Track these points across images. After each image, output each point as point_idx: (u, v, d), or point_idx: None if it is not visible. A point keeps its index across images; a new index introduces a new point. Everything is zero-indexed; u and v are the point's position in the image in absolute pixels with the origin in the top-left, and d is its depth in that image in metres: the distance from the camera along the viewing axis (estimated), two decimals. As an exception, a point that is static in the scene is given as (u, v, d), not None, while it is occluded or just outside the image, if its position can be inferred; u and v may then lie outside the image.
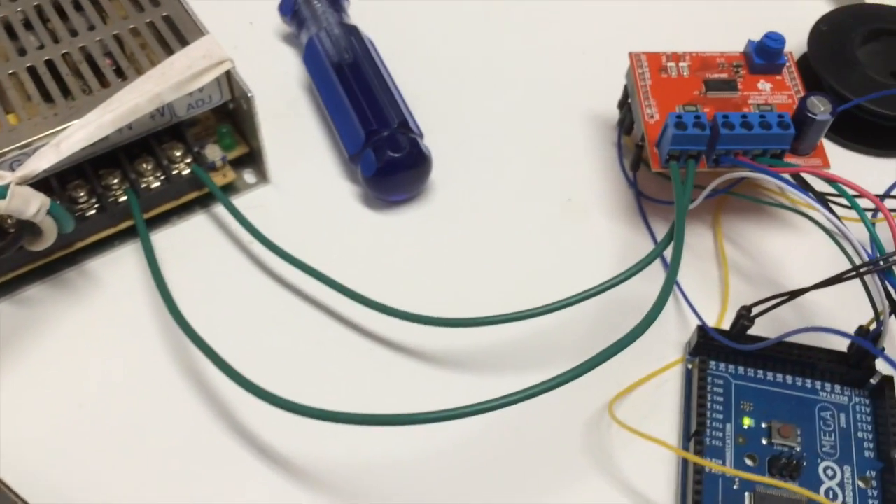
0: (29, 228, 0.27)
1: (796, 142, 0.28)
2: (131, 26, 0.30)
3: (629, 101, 0.31)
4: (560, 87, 0.35)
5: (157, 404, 0.27)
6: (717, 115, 0.27)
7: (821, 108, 0.27)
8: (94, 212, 0.29)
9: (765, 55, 0.30)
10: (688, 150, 0.28)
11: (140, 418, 0.27)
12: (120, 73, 0.29)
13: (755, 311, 0.26)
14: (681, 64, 0.31)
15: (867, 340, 0.25)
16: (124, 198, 0.29)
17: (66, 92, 0.29)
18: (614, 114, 0.34)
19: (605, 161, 0.33)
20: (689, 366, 0.28)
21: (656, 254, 0.27)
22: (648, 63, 0.31)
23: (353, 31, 0.34)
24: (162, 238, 0.31)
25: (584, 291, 0.27)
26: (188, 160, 0.30)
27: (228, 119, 0.32)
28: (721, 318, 0.29)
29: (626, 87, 0.32)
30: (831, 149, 0.33)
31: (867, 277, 0.25)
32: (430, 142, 0.32)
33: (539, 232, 0.32)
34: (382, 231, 0.32)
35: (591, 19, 0.38)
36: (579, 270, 0.30)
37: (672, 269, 0.26)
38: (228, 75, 0.29)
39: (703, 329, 0.27)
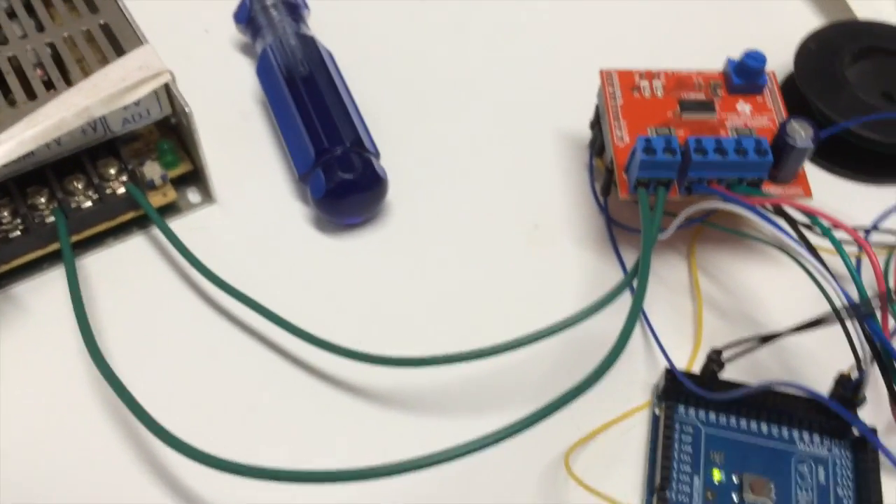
0: (-59, 252, 0.25)
1: (775, 169, 0.26)
2: (66, 34, 0.28)
3: (600, 121, 0.29)
4: (530, 104, 0.33)
5: (78, 450, 0.25)
6: (690, 140, 0.25)
7: (802, 133, 0.25)
8: (18, 233, 0.27)
9: (744, 75, 0.28)
10: (657, 178, 0.26)
11: (56, 464, 0.25)
12: (50, 85, 0.27)
13: (726, 354, 0.24)
14: (655, 83, 0.29)
15: (848, 390, 0.23)
16: (52, 218, 0.27)
17: (-11, 104, 0.27)
18: (587, 133, 0.31)
19: (576, 184, 0.31)
20: (657, 411, 0.26)
21: (622, 287, 0.25)
22: (620, 81, 0.29)
23: (309, 43, 0.32)
24: (95, 261, 0.29)
25: (546, 329, 0.25)
26: (123, 178, 0.28)
27: (174, 134, 0.30)
28: (693, 358, 0.27)
29: (597, 106, 0.30)
30: (817, 175, 0.31)
31: (848, 321, 0.23)
32: (388, 161, 0.30)
33: (503, 259, 0.29)
34: (334, 256, 0.29)
35: (565, 33, 0.36)
36: (544, 302, 0.28)
37: (634, 306, 0.24)
38: (167, 88, 0.27)
39: (671, 372, 0.25)
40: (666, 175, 0.25)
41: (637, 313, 0.23)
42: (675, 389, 0.25)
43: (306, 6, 0.34)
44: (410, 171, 0.31)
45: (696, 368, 0.26)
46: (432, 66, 0.34)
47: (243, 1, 0.34)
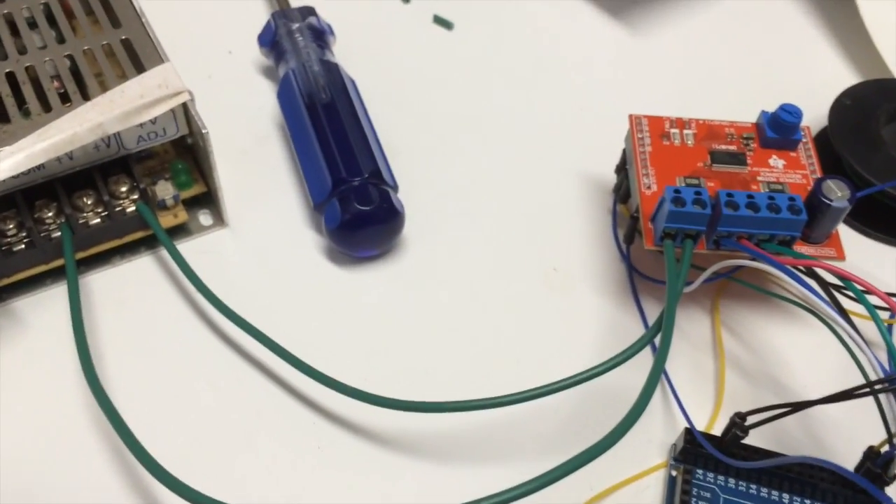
0: (-59, 262, 0.24)
1: (808, 228, 0.25)
2: (86, 47, 0.28)
3: (627, 166, 0.28)
4: (554, 144, 0.33)
5: (67, 474, 0.24)
6: (721, 193, 0.24)
7: (838, 193, 0.24)
8: (22, 246, 0.26)
9: (779, 129, 0.27)
10: (685, 229, 0.25)
11: (44, 487, 0.24)
12: (66, 97, 0.27)
13: (751, 420, 0.23)
14: (685, 131, 0.28)
15: (877, 465, 0.22)
16: (58, 233, 0.27)
17: (2, 115, 0.26)
18: (611, 178, 0.30)
19: (598, 229, 0.30)
20: (674, 472, 0.25)
21: (644, 342, 0.24)
22: (650, 127, 0.28)
23: (333, 69, 0.31)
24: (99, 279, 0.28)
25: (561, 381, 0.24)
26: (134, 197, 0.27)
27: (189, 154, 0.30)
28: (714, 419, 0.26)
29: (624, 151, 0.29)
30: (850, 237, 0.30)
31: (881, 395, 0.21)
32: (406, 195, 0.29)
33: (518, 302, 0.28)
34: (344, 289, 0.28)
35: (595, 74, 0.35)
36: (560, 349, 0.27)
37: (657, 365, 0.22)
38: (185, 108, 0.27)
39: (690, 433, 0.24)
40: (694, 227, 0.24)
41: (659, 373, 0.22)
42: (694, 451, 0.24)
43: (332, 33, 0.33)
44: (428, 205, 0.30)
45: (716, 429, 0.25)
46: (456, 100, 0.34)
47: (268, 24, 0.33)
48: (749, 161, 0.27)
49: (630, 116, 0.28)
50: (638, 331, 0.28)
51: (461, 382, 0.26)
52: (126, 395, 0.25)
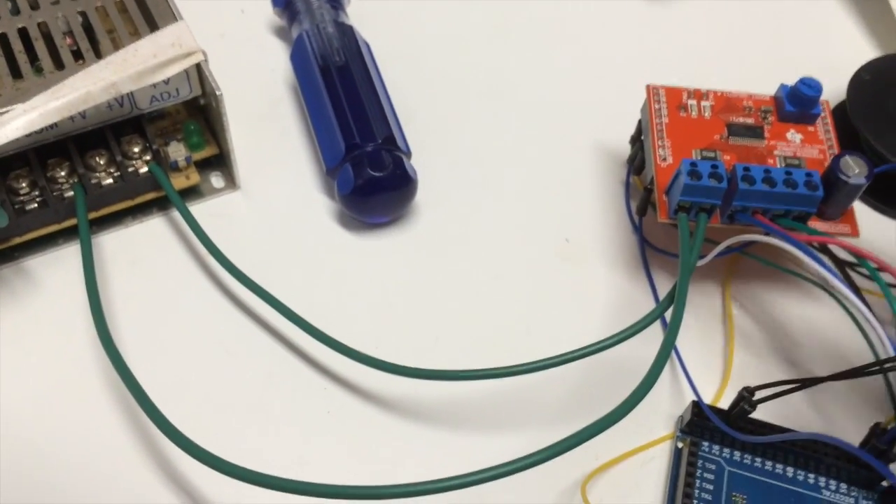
0: (-45, 220, 0.24)
1: (824, 205, 0.25)
2: (99, 4, 0.27)
3: (642, 137, 0.28)
4: (569, 112, 0.32)
5: (78, 432, 0.24)
6: (737, 167, 0.24)
7: (856, 170, 0.24)
8: (35, 205, 0.26)
9: (798, 102, 0.27)
10: (700, 203, 0.24)
11: (56, 445, 0.24)
12: (79, 55, 0.26)
13: (759, 395, 0.23)
14: (703, 103, 0.27)
15: (882, 442, 0.22)
16: (71, 193, 0.27)
17: (15, 71, 0.26)
18: (625, 148, 0.30)
19: (610, 200, 0.30)
20: (680, 444, 0.25)
21: (654, 316, 0.24)
22: (667, 98, 0.28)
23: (347, 32, 0.31)
24: (111, 240, 0.28)
25: (571, 352, 0.24)
26: (147, 157, 0.27)
27: (200, 115, 0.29)
28: (721, 393, 0.26)
29: (640, 121, 0.29)
30: (865, 213, 0.30)
31: (890, 373, 0.22)
32: (419, 160, 0.29)
33: (529, 272, 0.28)
34: (355, 254, 0.28)
35: (611, 43, 0.35)
36: (570, 321, 0.27)
37: (668, 339, 0.23)
38: (199, 69, 0.26)
39: (698, 406, 0.24)
40: (709, 201, 0.24)
41: (670, 348, 0.22)
42: (700, 424, 0.24)
43: (347, -6, 0.33)
44: (441, 172, 0.30)
45: (723, 403, 0.25)
46: (471, 66, 0.33)
47: (283, -17, 0.33)
48: (766, 135, 0.27)
49: (647, 87, 0.28)
50: (648, 303, 0.28)
51: (470, 350, 0.27)
52: (136, 354, 0.26)
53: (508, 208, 0.30)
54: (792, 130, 0.27)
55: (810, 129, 0.27)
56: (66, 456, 0.24)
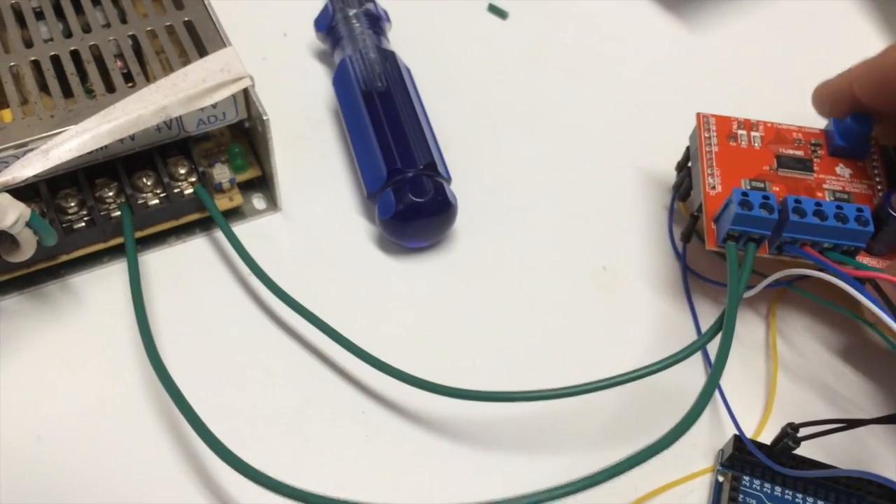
0: (6, 237, 0.24)
1: (873, 240, 0.24)
2: (149, 28, 0.28)
3: (689, 164, 0.28)
4: (611, 138, 0.32)
5: (124, 448, 0.25)
6: (789, 199, 0.24)
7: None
8: (83, 224, 0.27)
9: (848, 137, 0.26)
10: (750, 233, 0.24)
11: (101, 460, 0.24)
12: (129, 77, 0.27)
13: (803, 432, 0.23)
14: (753, 133, 0.27)
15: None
16: (118, 213, 0.27)
17: (67, 92, 0.26)
18: (668, 174, 0.30)
19: (653, 226, 0.30)
20: (720, 478, 0.25)
21: (698, 346, 0.24)
22: (717, 127, 0.28)
23: (389, 57, 0.31)
24: (155, 259, 0.28)
25: (612, 378, 0.24)
26: (192, 179, 0.28)
27: (244, 137, 0.30)
28: (762, 427, 0.26)
29: (688, 148, 0.29)
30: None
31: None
32: (458, 185, 0.29)
33: (568, 297, 0.28)
34: (394, 278, 0.29)
35: (650, 71, 0.35)
36: (608, 348, 0.27)
37: (714, 373, 0.22)
38: (245, 93, 0.27)
39: (740, 440, 0.24)
40: (759, 231, 0.24)
41: (717, 382, 0.22)
42: (741, 458, 0.24)
43: (388, 19, 0.33)
44: (480, 197, 0.30)
45: (765, 437, 0.25)
46: (510, 91, 0.34)
47: (325, 8, 0.33)
48: (815, 168, 0.27)
49: (698, 115, 0.28)
50: (689, 330, 0.28)
51: (506, 375, 0.27)
52: (178, 372, 0.26)
53: (547, 234, 0.30)
54: (841, 165, 0.27)
55: (860, 164, 0.27)
56: (108, 472, 0.24)
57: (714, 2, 0.37)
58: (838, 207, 0.24)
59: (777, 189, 0.26)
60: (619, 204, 0.31)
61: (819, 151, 0.27)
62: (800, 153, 0.27)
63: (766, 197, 0.24)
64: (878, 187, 0.26)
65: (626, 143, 0.32)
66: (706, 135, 0.27)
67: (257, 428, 0.25)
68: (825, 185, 0.26)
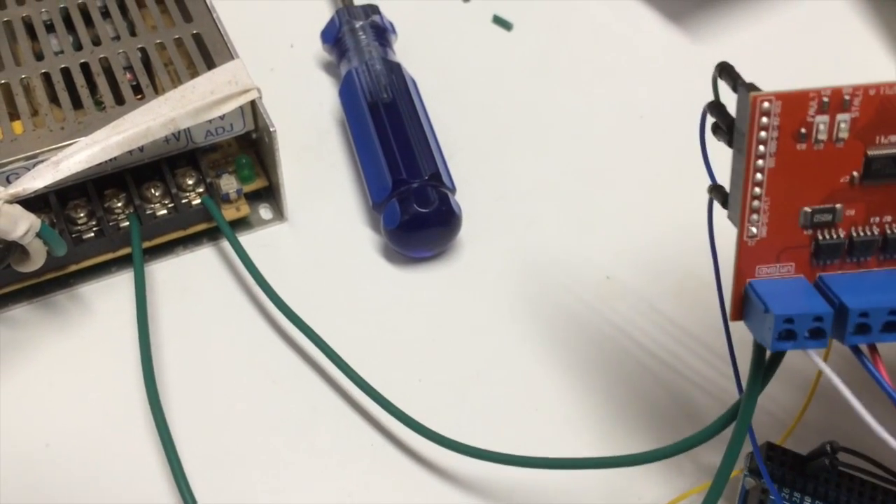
0: (16, 248, 0.25)
1: None
2: (158, 41, 0.28)
3: (732, 184, 0.19)
4: (612, 151, 0.32)
5: (131, 457, 0.25)
6: (851, 312, 0.17)
7: None
8: (92, 235, 0.27)
9: None
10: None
11: (109, 468, 0.25)
12: (138, 89, 0.27)
13: (842, 457, 0.21)
14: (839, 118, 0.17)
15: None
16: (126, 223, 0.27)
17: (77, 104, 0.27)
18: (672, 184, 0.30)
19: (656, 237, 0.30)
20: (748, 486, 0.23)
21: (720, 426, 0.21)
22: (782, 117, 0.17)
23: (395, 69, 0.31)
24: (162, 269, 0.29)
25: (632, 456, 0.23)
26: (200, 189, 0.28)
27: (251, 148, 0.30)
28: (790, 430, 0.24)
29: (737, 153, 0.19)
30: None
31: None
32: (463, 196, 0.30)
33: (571, 311, 0.29)
34: (399, 288, 0.29)
35: (654, 82, 0.35)
36: (615, 355, 0.27)
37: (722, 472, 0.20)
38: (253, 105, 0.27)
39: (772, 449, 0.23)
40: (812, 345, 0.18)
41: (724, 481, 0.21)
42: (771, 466, 0.23)
43: (394, 31, 0.34)
44: (484, 208, 0.31)
45: (793, 443, 0.23)
46: (514, 102, 0.34)
47: (332, 20, 0.33)
48: None
49: (753, 98, 0.18)
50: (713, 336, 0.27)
51: (510, 381, 0.27)
52: (182, 383, 0.26)
53: (550, 244, 0.30)
54: None
55: None
56: (116, 480, 0.24)
57: (717, 12, 0.37)
58: None
59: (852, 213, 0.18)
60: (623, 214, 0.31)
61: None
62: None
63: (818, 318, 0.17)
64: None
65: (629, 153, 0.32)
66: (762, 134, 0.17)
67: (263, 438, 0.25)
68: None
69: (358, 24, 0.33)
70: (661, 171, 0.31)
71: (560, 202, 0.31)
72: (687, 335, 0.28)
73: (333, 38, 0.33)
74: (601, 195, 0.31)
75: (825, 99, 0.18)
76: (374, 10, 0.33)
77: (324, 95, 0.34)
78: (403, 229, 0.28)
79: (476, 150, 0.32)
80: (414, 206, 0.28)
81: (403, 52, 0.34)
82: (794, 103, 0.18)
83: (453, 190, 0.29)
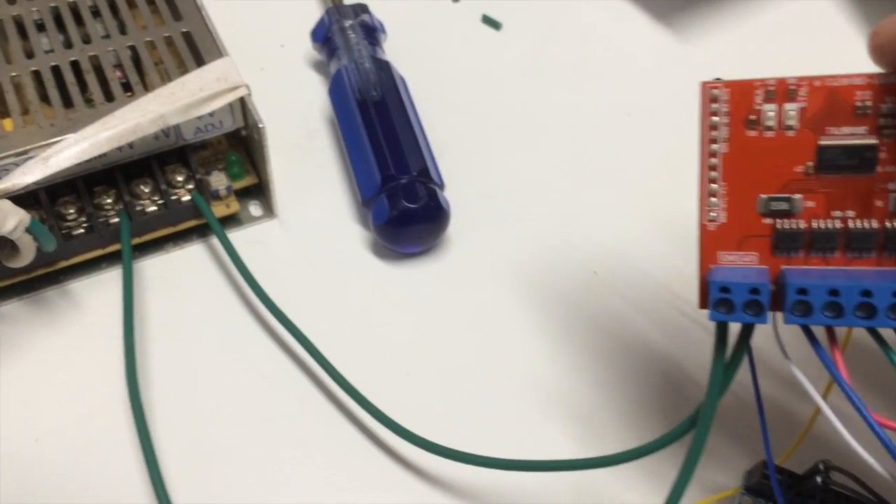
0: (6, 243, 0.25)
1: None
2: (148, 39, 0.29)
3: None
4: (599, 148, 0.33)
5: (120, 451, 0.25)
6: (789, 285, 0.17)
7: None
8: (82, 231, 0.27)
9: None
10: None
11: (98, 463, 0.25)
12: (128, 87, 0.27)
13: (836, 476, 0.21)
14: (787, 107, 0.18)
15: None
16: (116, 219, 0.27)
17: (67, 102, 0.27)
18: (658, 181, 0.31)
19: (642, 234, 0.31)
20: (741, 503, 0.23)
21: (675, 437, 0.20)
22: (731, 104, 0.18)
23: (384, 67, 0.31)
24: (152, 265, 0.29)
25: (606, 457, 0.22)
26: (190, 186, 0.28)
27: (241, 145, 0.30)
28: (793, 448, 0.23)
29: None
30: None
31: None
32: (452, 192, 0.30)
33: (559, 304, 0.29)
34: (388, 283, 0.29)
35: (640, 81, 0.35)
36: (604, 346, 0.27)
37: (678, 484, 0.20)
38: (242, 102, 0.27)
39: (766, 468, 0.22)
40: (752, 321, 0.18)
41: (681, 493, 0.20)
42: (769, 486, 0.22)
43: (383, 30, 0.34)
44: (473, 204, 0.31)
45: (794, 459, 0.23)
46: (503, 100, 0.34)
47: (322, 20, 0.34)
48: (881, 155, 0.18)
49: (702, 85, 0.19)
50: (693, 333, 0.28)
51: (498, 375, 0.27)
52: (170, 378, 0.26)
53: (538, 240, 0.30)
54: None
55: None
56: (105, 475, 0.25)
57: (703, 12, 0.38)
58: (865, 294, 0.16)
59: (813, 205, 0.18)
60: (610, 210, 0.31)
61: None
62: (860, 130, 0.18)
63: (755, 290, 0.17)
64: None
65: (616, 151, 0.33)
66: (713, 119, 0.18)
67: (249, 433, 0.25)
68: (892, 186, 0.18)
69: (347, 23, 0.33)
70: (647, 168, 0.32)
71: (547, 199, 0.31)
72: (676, 330, 0.28)
73: (323, 36, 0.33)
74: (588, 192, 0.32)
75: (771, 88, 0.19)
76: (363, 9, 0.34)
77: (314, 94, 0.34)
78: (392, 225, 0.28)
79: (465, 148, 0.32)
80: (402, 202, 0.28)
81: (393, 51, 0.34)
82: (742, 91, 0.19)
83: (442, 186, 0.29)
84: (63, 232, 0.27)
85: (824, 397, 0.19)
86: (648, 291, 0.29)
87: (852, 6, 0.38)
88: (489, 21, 0.37)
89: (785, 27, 0.37)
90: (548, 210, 0.31)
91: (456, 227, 0.30)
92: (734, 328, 0.19)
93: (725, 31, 0.37)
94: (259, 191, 0.30)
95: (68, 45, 0.28)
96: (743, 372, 0.20)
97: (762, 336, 0.20)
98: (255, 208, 0.30)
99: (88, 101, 0.27)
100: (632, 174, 0.32)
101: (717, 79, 0.19)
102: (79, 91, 0.27)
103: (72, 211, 0.27)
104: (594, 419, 0.26)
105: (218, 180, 0.29)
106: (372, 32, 0.33)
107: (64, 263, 0.28)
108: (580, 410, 0.26)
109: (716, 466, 0.25)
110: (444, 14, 0.37)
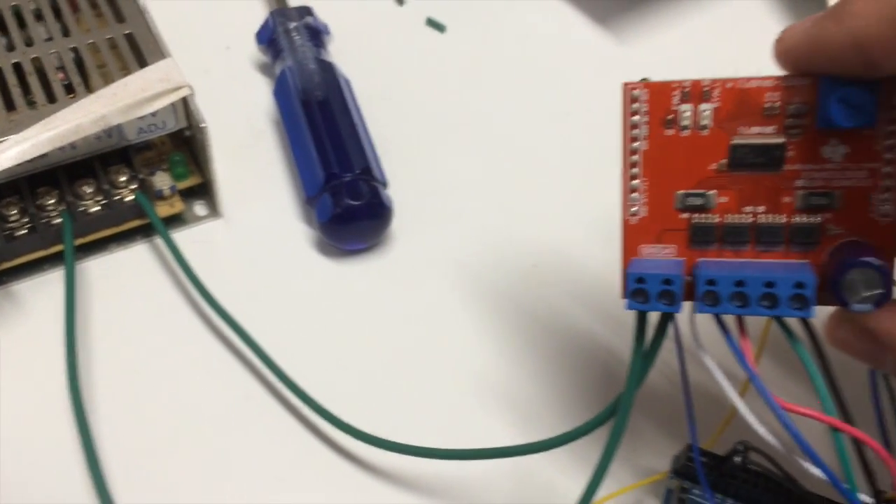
0: (-54, 245, 0.25)
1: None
2: (90, 41, 0.29)
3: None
4: (540, 148, 0.34)
5: (61, 454, 0.25)
6: (700, 274, 0.18)
7: (862, 293, 0.17)
8: (24, 232, 0.28)
9: (851, 97, 0.18)
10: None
11: (38, 466, 0.25)
12: (70, 89, 0.28)
13: (755, 456, 0.22)
14: (702, 108, 0.19)
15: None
16: (59, 220, 0.28)
17: (9, 104, 0.27)
18: (596, 178, 0.31)
19: (582, 230, 0.31)
20: (671, 487, 0.24)
21: (600, 420, 0.21)
22: (650, 105, 0.20)
23: (328, 68, 0.32)
24: (96, 266, 0.29)
25: (535, 444, 0.23)
26: (133, 186, 0.29)
27: (186, 146, 0.31)
28: (719, 432, 0.24)
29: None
30: None
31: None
32: (395, 191, 0.31)
33: (499, 296, 0.30)
34: (333, 280, 0.30)
35: (581, 82, 0.36)
36: (543, 340, 0.28)
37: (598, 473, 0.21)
38: (185, 102, 0.28)
39: (691, 451, 0.22)
40: (668, 310, 0.19)
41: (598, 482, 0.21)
42: (692, 469, 0.22)
43: (328, 32, 0.35)
44: (416, 202, 0.32)
45: (723, 446, 0.23)
46: (447, 101, 0.35)
47: (266, 22, 0.34)
48: (789, 153, 0.19)
49: (624, 85, 0.20)
50: (623, 334, 0.29)
51: (443, 373, 0.28)
52: (114, 378, 0.27)
53: (480, 237, 0.31)
54: (834, 142, 0.18)
55: (865, 134, 0.18)
56: (44, 478, 0.25)
57: (641, 15, 0.39)
58: (768, 284, 0.18)
59: (726, 200, 0.19)
60: (549, 207, 0.32)
61: (805, 120, 0.19)
62: (769, 130, 0.19)
63: (668, 281, 0.18)
64: (887, 170, 0.18)
65: (556, 150, 0.34)
66: (634, 119, 0.19)
67: (193, 431, 0.26)
68: (799, 181, 0.19)
69: (292, 25, 0.33)
70: (585, 167, 0.32)
71: (489, 197, 0.32)
72: (612, 320, 0.29)
73: (268, 38, 0.34)
74: (528, 190, 0.32)
75: (686, 89, 0.20)
76: (307, 11, 0.34)
77: (259, 95, 0.34)
78: (335, 222, 0.29)
79: (409, 147, 0.33)
80: (345, 199, 0.28)
81: (339, 53, 0.35)
82: (660, 92, 0.20)
83: (385, 184, 0.30)
84: (5, 233, 0.27)
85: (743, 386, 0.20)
86: (585, 284, 0.30)
87: (786, 6, 0.39)
88: (433, 24, 0.37)
89: (721, 29, 0.38)
90: (489, 207, 0.32)
91: (399, 224, 0.31)
92: (654, 318, 0.20)
93: (663, 33, 0.38)
94: (204, 191, 0.31)
95: (10, 47, 0.28)
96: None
97: (694, 326, 0.20)
98: (200, 208, 0.31)
99: (31, 104, 0.27)
100: (570, 172, 0.33)
101: (644, 79, 0.20)
102: (21, 93, 0.27)
103: (14, 212, 0.27)
104: (533, 408, 0.27)
105: (162, 180, 0.29)
106: (317, 34, 0.34)
107: (6, 265, 0.28)
108: (519, 400, 0.27)
109: (648, 451, 0.26)
110: (390, 17, 0.38)
